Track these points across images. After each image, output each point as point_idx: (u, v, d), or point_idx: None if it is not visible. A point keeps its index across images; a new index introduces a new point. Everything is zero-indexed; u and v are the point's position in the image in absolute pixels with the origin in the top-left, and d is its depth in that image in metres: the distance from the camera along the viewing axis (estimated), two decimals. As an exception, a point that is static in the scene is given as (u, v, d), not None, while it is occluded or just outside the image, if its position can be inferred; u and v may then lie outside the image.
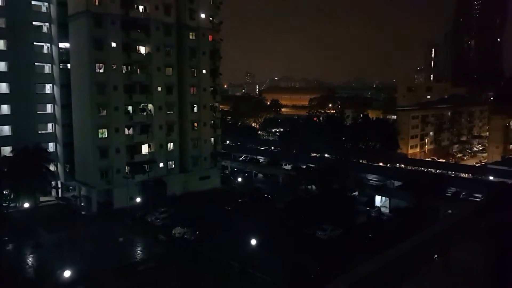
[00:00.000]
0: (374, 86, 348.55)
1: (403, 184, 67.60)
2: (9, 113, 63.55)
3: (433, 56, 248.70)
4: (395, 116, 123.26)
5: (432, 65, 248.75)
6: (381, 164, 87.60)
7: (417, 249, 14.21)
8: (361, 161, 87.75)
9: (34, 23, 66.07)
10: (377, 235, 50.75)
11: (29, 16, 64.91)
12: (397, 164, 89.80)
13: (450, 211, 59.98)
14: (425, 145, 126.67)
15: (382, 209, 64.34)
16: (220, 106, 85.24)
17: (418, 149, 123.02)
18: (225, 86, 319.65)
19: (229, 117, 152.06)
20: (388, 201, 65.60)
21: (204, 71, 75.24)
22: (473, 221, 18.45)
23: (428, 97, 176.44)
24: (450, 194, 63.91)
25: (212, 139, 78.08)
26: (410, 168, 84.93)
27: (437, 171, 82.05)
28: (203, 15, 73.91)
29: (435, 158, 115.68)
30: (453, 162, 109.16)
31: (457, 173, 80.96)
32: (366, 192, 65.33)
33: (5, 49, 62.98)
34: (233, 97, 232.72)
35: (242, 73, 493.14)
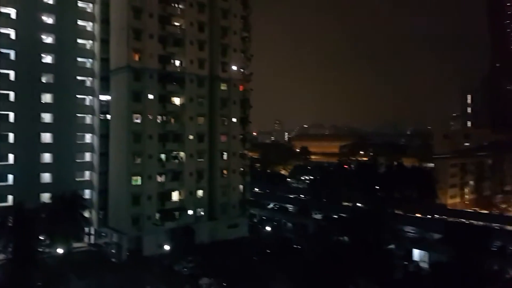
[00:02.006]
0: (408, 132, 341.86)
1: (443, 236, 64.37)
2: (50, 161, 67.05)
3: (469, 101, 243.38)
4: (432, 164, 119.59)
5: (469, 111, 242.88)
6: (418, 215, 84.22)
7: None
8: (396, 211, 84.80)
9: (78, 77, 70.95)
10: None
11: (74, 72, 69.92)
12: (436, 215, 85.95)
13: (496, 267, 56.35)
14: (465, 195, 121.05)
15: (421, 264, 60.87)
16: (249, 154, 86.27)
17: (458, 199, 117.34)
18: (255, 133, 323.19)
19: (258, 165, 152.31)
20: (427, 255, 62.34)
21: (234, 120, 77.29)
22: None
23: (467, 144, 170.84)
24: (495, 249, 60.16)
25: (241, 186, 78.45)
26: (450, 219, 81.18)
27: (480, 223, 77.77)
28: (234, 67, 77.13)
29: (477, 209, 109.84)
30: (497, 213, 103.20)
31: (502, 225, 76.40)
32: (403, 245, 62.65)
33: (51, 102, 67.56)
34: (262, 145, 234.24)
35: (271, 120, 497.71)
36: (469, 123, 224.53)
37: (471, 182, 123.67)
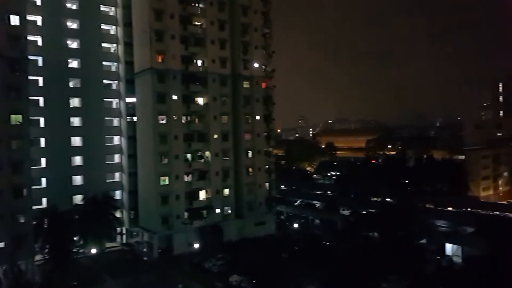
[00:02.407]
0: (438, 124, 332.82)
1: (476, 230, 62.40)
2: (81, 164, 68.95)
3: (501, 90, 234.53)
4: (463, 156, 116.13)
5: (501, 99, 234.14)
6: (450, 208, 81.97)
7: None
8: (427, 205, 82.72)
9: (104, 81, 72.65)
10: (449, 287, 46.86)
11: (100, 75, 71.60)
12: (468, 208, 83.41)
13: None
14: (499, 187, 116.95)
15: (454, 258, 59.14)
16: (274, 151, 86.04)
17: (491, 192, 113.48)
18: (279, 130, 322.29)
19: (283, 162, 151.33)
20: (460, 249, 60.47)
21: (258, 117, 77.22)
22: None
23: (499, 134, 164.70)
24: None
25: (267, 184, 78.42)
26: (484, 212, 78.70)
27: (515, 215, 75.41)
28: (256, 65, 76.99)
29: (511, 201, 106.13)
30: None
31: (539, 217, 73.48)
32: (435, 239, 60.95)
33: (79, 106, 69.47)
34: (287, 142, 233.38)
35: (295, 117, 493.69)
36: (501, 112, 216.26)
37: (505, 174, 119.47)
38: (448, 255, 60.27)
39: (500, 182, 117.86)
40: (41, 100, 65.68)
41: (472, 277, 48.47)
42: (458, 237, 62.78)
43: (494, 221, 63.43)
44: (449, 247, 61.80)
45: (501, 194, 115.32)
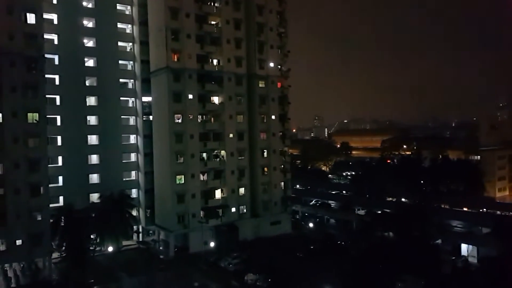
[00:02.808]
0: (453, 125, 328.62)
1: (492, 230, 61.82)
2: (98, 162, 69.52)
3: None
4: (479, 157, 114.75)
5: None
6: (465, 209, 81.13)
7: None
8: (442, 205, 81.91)
9: (120, 80, 73.16)
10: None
11: (116, 74, 72.09)
12: (484, 209, 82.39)
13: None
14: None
15: (470, 259, 58.72)
16: (289, 151, 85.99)
17: (507, 192, 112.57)
18: (294, 130, 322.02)
19: (299, 161, 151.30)
20: (476, 249, 59.84)
21: (273, 117, 77.12)
22: None
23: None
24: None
25: (282, 183, 78.28)
26: (499, 213, 77.60)
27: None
28: (272, 64, 76.85)
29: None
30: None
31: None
32: (451, 239, 60.60)
33: (95, 104, 70.03)
34: (302, 141, 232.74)
35: (310, 117, 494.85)
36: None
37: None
38: (463, 256, 59.82)
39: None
40: (58, 99, 66.19)
41: (488, 278, 47.97)
42: (473, 238, 62.32)
43: (510, 222, 62.41)
44: (464, 248, 61.30)
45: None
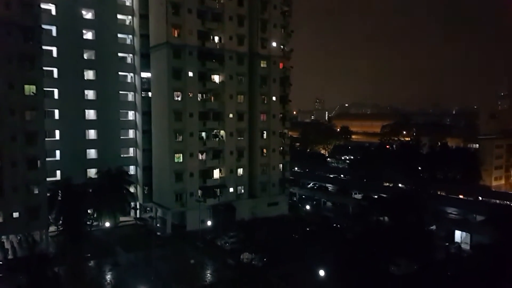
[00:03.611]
0: (454, 112, 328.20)
1: (486, 218, 62.44)
2: (95, 137, 69.09)
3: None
4: (477, 145, 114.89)
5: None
6: (461, 196, 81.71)
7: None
8: (439, 192, 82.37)
9: (119, 54, 71.85)
10: (457, 273, 47.07)
11: (115, 48, 70.72)
12: (480, 197, 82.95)
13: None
14: (511, 177, 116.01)
15: (463, 246, 59.49)
16: (289, 133, 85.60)
17: (503, 181, 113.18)
18: (295, 112, 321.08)
19: (298, 144, 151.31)
20: (469, 236, 60.53)
21: (274, 98, 76.45)
22: None
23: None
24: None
25: (281, 165, 78.21)
26: (494, 201, 78.23)
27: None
28: (274, 44, 75.66)
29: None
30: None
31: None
32: (445, 226, 61.18)
33: (93, 78, 69.03)
34: (302, 124, 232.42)
35: (311, 99, 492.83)
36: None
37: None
38: (457, 242, 60.52)
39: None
40: (55, 71, 65.21)
41: (480, 265, 48.61)
42: (467, 225, 62.88)
43: (505, 210, 62.99)
44: (458, 234, 62.01)
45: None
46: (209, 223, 64.75)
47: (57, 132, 65.55)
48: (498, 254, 49.14)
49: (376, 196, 77.26)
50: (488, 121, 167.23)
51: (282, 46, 77.30)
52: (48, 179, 56.78)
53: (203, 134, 69.12)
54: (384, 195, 74.42)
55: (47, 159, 58.01)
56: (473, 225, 62.98)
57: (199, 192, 67.62)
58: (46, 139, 58.30)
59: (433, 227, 59.73)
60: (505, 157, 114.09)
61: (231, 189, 71.62)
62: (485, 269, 46.94)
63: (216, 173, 70.70)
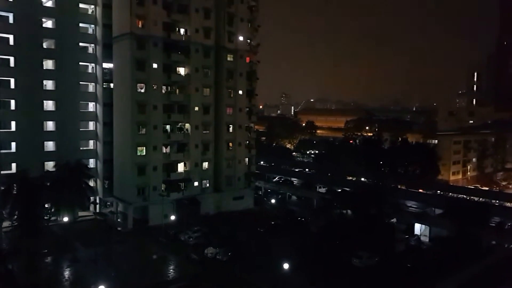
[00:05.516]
0: (414, 109, 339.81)
1: (444, 212, 64.75)
2: (54, 129, 66.38)
3: (475, 79, 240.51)
4: (436, 141, 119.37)
5: (475, 88, 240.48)
6: (421, 190, 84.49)
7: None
8: (399, 186, 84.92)
9: (80, 44, 69.26)
10: (416, 264, 48.74)
11: (76, 38, 68.11)
12: (438, 191, 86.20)
13: (494, 242, 57.01)
14: (467, 172, 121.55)
15: (422, 238, 61.67)
16: (255, 127, 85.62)
17: (460, 176, 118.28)
18: (261, 106, 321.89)
19: (264, 138, 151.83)
20: (428, 229, 62.78)
21: (240, 92, 76.06)
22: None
23: (471, 122, 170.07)
24: (494, 224, 60.70)
25: (247, 159, 78.14)
26: (452, 195, 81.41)
27: (480, 199, 78.37)
28: (241, 38, 75.16)
29: (478, 185, 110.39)
30: (497, 190, 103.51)
31: (501, 202, 76.72)
32: (405, 219, 62.95)
33: (53, 68, 66.27)
34: (268, 118, 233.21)
35: (277, 94, 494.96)
36: (474, 101, 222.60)
37: (474, 160, 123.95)
38: (416, 235, 62.52)
39: (468, 167, 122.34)
40: (12, 60, 62.18)
41: (438, 256, 50.79)
42: (426, 218, 64.86)
43: (461, 204, 65.74)
44: (417, 227, 64.08)
45: (469, 179, 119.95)
46: (172, 217, 63.72)
47: (13, 123, 62.59)
48: (454, 245, 51.61)
49: (339, 190, 78.70)
50: (446, 118, 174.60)
51: (249, 41, 76.98)
52: (2, 172, 53.93)
53: (168, 127, 67.78)
54: (347, 189, 75.86)
55: (2, 151, 55.33)
56: (432, 218, 65.09)
57: (163, 186, 66.33)
58: (1, 130, 55.45)
59: (394, 220, 61.27)
60: (462, 153, 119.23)
61: (196, 183, 70.80)
62: (441, 259, 49.10)
63: (181, 167, 69.63)
